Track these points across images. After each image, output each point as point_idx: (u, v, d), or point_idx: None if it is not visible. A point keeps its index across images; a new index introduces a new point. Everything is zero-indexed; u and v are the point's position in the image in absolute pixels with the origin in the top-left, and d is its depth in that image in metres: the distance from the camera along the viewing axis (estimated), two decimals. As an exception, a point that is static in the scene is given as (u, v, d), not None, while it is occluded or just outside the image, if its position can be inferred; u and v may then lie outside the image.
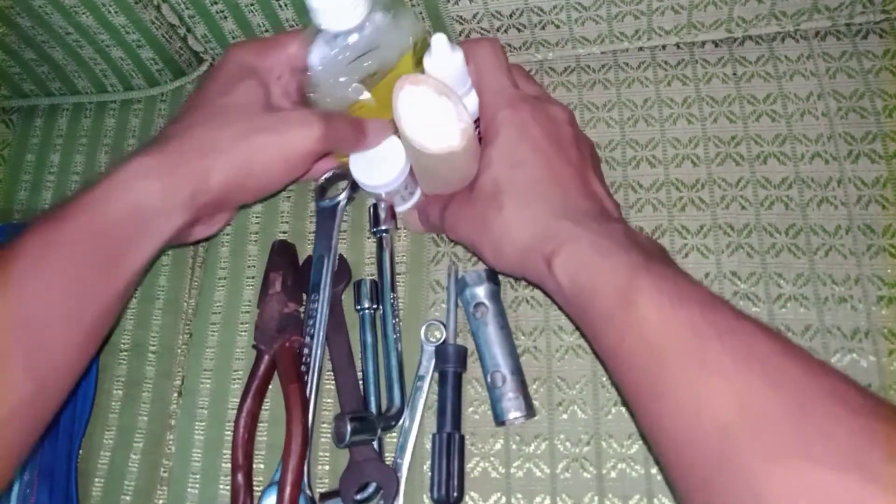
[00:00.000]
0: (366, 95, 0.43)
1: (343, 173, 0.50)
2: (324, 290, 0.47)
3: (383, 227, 0.48)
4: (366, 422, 0.42)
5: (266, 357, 0.46)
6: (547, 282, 0.38)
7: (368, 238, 0.50)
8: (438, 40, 0.40)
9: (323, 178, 0.50)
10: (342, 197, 0.50)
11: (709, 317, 0.31)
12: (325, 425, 0.46)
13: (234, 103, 0.43)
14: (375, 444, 0.44)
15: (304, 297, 0.48)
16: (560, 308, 0.40)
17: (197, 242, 0.50)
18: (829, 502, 0.25)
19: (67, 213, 0.39)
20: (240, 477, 0.44)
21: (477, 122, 0.44)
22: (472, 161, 0.41)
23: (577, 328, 0.44)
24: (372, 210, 0.49)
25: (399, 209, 0.49)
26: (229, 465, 0.45)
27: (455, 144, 0.39)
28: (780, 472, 0.26)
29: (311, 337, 0.46)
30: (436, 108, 0.39)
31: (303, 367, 0.46)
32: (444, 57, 0.40)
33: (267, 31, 0.52)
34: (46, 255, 0.38)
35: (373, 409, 0.45)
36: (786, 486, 0.26)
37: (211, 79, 0.46)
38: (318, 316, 0.46)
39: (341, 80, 0.43)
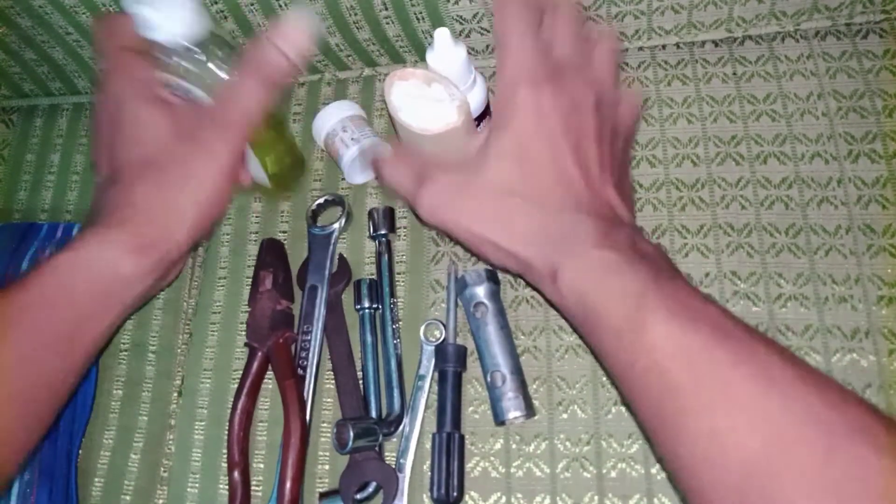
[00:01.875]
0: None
1: (337, 199, 0.50)
2: (317, 321, 0.47)
3: (382, 232, 0.48)
4: (368, 428, 0.42)
5: (259, 354, 0.46)
6: (550, 294, 0.36)
7: (368, 237, 0.50)
8: (440, 34, 0.40)
9: (315, 203, 0.50)
10: (336, 227, 0.49)
11: (723, 340, 0.30)
12: (325, 425, 0.46)
13: (155, 148, 0.42)
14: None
15: (302, 294, 0.48)
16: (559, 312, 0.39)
17: (157, 294, 0.50)
18: None
19: (28, 286, 0.38)
20: (236, 474, 0.44)
21: (482, 115, 0.45)
22: (469, 136, 0.41)
23: (582, 340, 0.44)
24: (371, 215, 0.49)
25: (345, 156, 0.46)
26: (229, 465, 0.45)
27: (454, 121, 0.39)
28: None
29: (307, 354, 0.47)
30: (428, 94, 0.39)
31: (300, 371, 0.46)
32: (445, 51, 0.40)
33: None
34: (5, 332, 0.37)
35: (372, 410, 0.45)
36: None
37: (117, 128, 0.43)
38: (312, 348, 0.46)
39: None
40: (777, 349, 0.30)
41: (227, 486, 0.45)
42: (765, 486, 0.27)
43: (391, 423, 0.44)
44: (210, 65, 0.42)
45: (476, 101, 0.43)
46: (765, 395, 0.28)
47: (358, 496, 0.43)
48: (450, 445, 0.42)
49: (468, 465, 0.43)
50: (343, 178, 0.52)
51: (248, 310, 0.48)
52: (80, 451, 0.49)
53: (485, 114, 0.45)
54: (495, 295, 0.45)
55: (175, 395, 0.50)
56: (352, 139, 0.49)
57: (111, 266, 0.39)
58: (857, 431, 0.27)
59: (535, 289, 0.44)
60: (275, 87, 0.42)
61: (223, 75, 0.42)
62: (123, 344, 0.52)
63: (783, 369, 0.29)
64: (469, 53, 0.45)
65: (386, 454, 0.44)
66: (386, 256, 0.48)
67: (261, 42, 0.41)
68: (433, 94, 0.39)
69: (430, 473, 0.43)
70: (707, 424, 0.29)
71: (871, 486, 0.25)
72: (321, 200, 0.50)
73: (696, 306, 0.32)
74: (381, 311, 0.47)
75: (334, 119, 0.50)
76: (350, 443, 0.41)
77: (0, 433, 0.36)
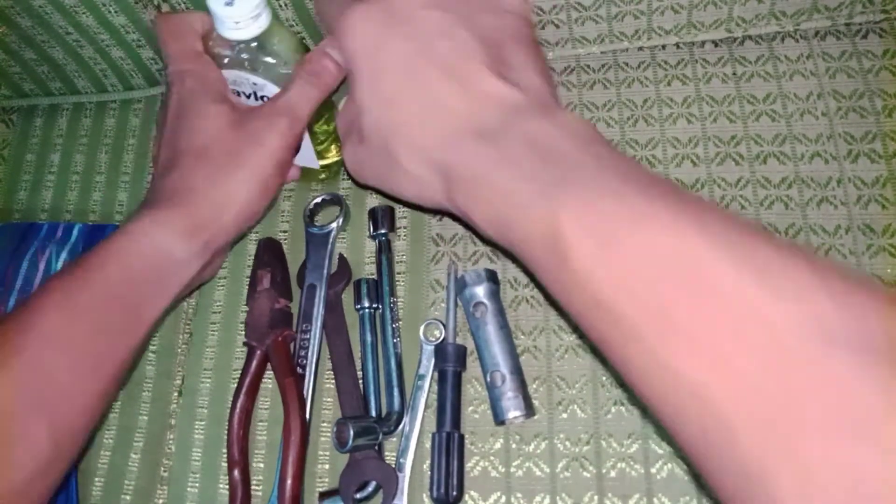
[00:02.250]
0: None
1: (335, 198, 0.50)
2: (316, 320, 0.47)
3: (382, 231, 0.48)
4: (368, 427, 0.42)
5: (258, 353, 0.46)
6: (480, 230, 0.34)
7: (368, 237, 0.50)
8: None
9: (312, 202, 0.50)
10: (334, 226, 0.49)
11: (661, 254, 0.26)
12: (324, 424, 0.46)
13: (210, 137, 0.44)
14: (375, 443, 0.44)
15: (301, 293, 0.48)
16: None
17: (200, 286, 0.51)
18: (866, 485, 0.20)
19: (89, 266, 0.39)
20: (236, 473, 0.44)
21: None
22: None
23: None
24: (371, 214, 0.49)
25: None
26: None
27: None
28: (783, 452, 0.22)
29: (306, 353, 0.47)
30: None
31: (299, 370, 0.46)
32: None
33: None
34: (69, 312, 0.38)
35: (372, 409, 0.45)
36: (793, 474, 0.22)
37: (179, 119, 0.45)
38: (311, 346, 0.46)
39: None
40: (738, 258, 0.25)
41: (227, 486, 0.45)
42: (713, 412, 0.24)
43: (391, 422, 0.44)
44: (277, 59, 0.44)
45: None
46: (718, 329, 0.24)
47: (358, 495, 0.43)
48: (449, 445, 0.42)
49: (468, 465, 0.43)
50: (343, 178, 0.52)
51: (247, 309, 0.48)
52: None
53: None
54: (495, 295, 0.45)
55: (175, 394, 0.50)
56: None
57: (164, 247, 0.41)
58: (812, 320, 0.22)
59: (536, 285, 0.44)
60: (325, 87, 0.44)
61: (288, 70, 0.44)
62: (123, 344, 0.52)
63: (745, 289, 0.24)
64: None
65: (386, 454, 0.44)
66: (386, 256, 0.48)
67: (318, 49, 0.44)
68: None
69: (429, 473, 0.43)
70: (660, 364, 0.25)
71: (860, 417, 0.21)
72: (318, 199, 0.50)
73: (619, 209, 0.27)
74: (380, 310, 0.47)
75: None
76: (350, 441, 0.41)
77: (73, 412, 0.37)
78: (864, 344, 0.22)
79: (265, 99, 0.46)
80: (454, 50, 0.35)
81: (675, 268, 0.25)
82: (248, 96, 0.46)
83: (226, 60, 0.45)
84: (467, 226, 0.47)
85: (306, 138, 0.47)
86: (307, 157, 0.49)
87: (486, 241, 0.48)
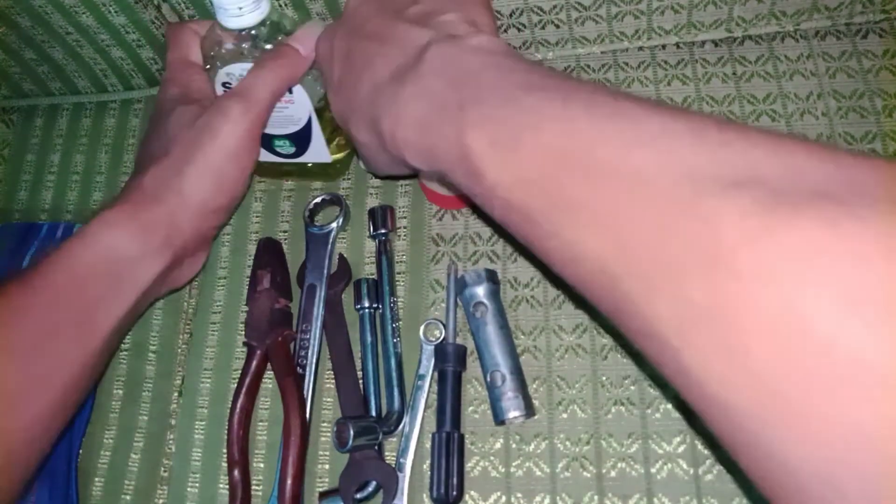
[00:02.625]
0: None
1: (334, 198, 0.50)
2: (316, 320, 0.47)
3: (382, 231, 0.48)
4: (368, 427, 0.42)
5: (258, 353, 0.46)
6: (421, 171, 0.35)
7: (368, 237, 0.50)
8: None
9: (312, 202, 0.50)
10: (334, 226, 0.49)
11: (555, 146, 0.27)
12: (325, 424, 0.46)
13: (170, 136, 0.43)
14: (375, 443, 0.44)
15: (301, 293, 0.48)
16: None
17: (189, 283, 0.50)
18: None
19: (35, 273, 0.38)
20: (236, 473, 0.44)
21: None
22: None
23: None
24: (371, 214, 0.49)
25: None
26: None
27: None
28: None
29: (305, 353, 0.46)
30: None
31: (299, 370, 0.46)
32: None
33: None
34: (13, 320, 0.37)
35: (372, 409, 0.45)
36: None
37: (151, 125, 0.46)
38: (311, 346, 0.46)
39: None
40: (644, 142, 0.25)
41: (227, 486, 0.45)
42: (618, 289, 0.25)
43: (391, 422, 0.44)
44: (276, 44, 0.44)
45: None
46: (609, 194, 0.25)
47: (358, 495, 0.43)
48: (449, 445, 0.42)
49: (468, 465, 0.43)
50: (344, 178, 0.52)
51: (247, 309, 0.48)
52: (80, 451, 0.49)
53: None
54: (495, 295, 0.45)
55: (175, 394, 0.50)
56: None
57: (117, 247, 0.40)
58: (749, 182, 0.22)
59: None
60: (286, 72, 0.43)
61: None
62: (124, 344, 0.52)
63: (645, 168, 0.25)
64: None
65: (386, 454, 0.44)
66: (386, 256, 0.48)
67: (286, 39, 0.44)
68: None
69: (429, 473, 0.43)
70: (560, 244, 0.27)
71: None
72: (318, 199, 0.50)
73: (518, 115, 0.28)
74: (380, 310, 0.47)
75: None
76: (350, 441, 0.41)
77: (15, 420, 0.36)
78: (732, 181, 0.22)
79: None
80: (380, 22, 0.37)
81: (567, 155, 0.26)
82: None
83: (225, 53, 0.45)
84: (465, 226, 0.47)
85: (317, 131, 0.47)
86: (318, 150, 0.48)
87: (485, 240, 0.48)
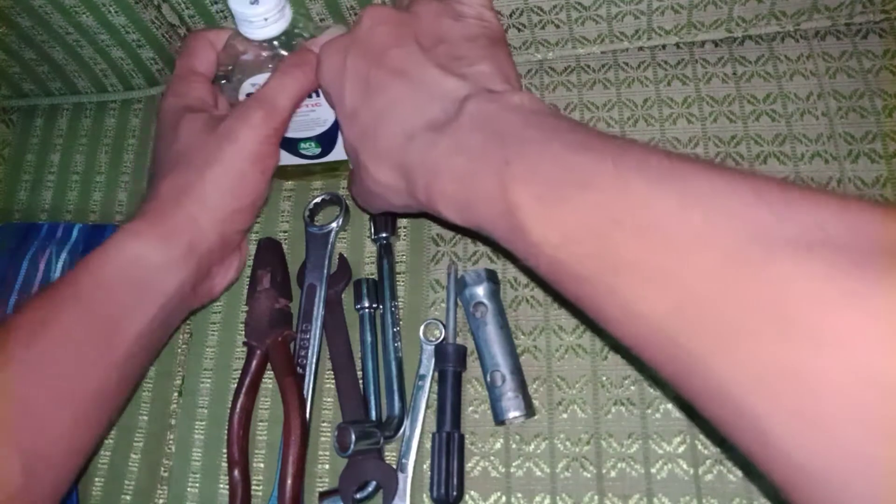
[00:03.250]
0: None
1: (334, 198, 0.50)
2: (316, 320, 0.47)
3: (383, 234, 0.48)
4: (369, 432, 0.42)
5: (258, 353, 0.46)
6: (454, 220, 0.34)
7: (368, 237, 0.50)
8: None
9: (312, 202, 0.50)
10: (334, 226, 0.49)
11: (604, 205, 0.26)
12: (325, 425, 0.46)
13: (185, 144, 0.43)
14: (375, 443, 0.44)
15: (301, 293, 0.48)
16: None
17: (210, 303, 0.49)
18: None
19: (61, 284, 0.38)
20: (236, 473, 0.44)
21: None
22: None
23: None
24: (372, 217, 0.49)
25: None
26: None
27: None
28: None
29: (305, 353, 0.46)
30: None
31: (299, 370, 0.46)
32: None
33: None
34: (40, 330, 0.36)
35: (372, 410, 0.45)
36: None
37: (158, 137, 0.46)
38: (311, 346, 0.46)
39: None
40: (686, 213, 0.25)
41: (227, 486, 0.45)
42: (680, 351, 0.24)
43: (392, 427, 0.44)
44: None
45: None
46: (668, 252, 0.25)
47: (358, 496, 0.43)
48: (449, 445, 0.42)
49: (468, 465, 0.43)
50: (344, 178, 0.52)
51: (247, 309, 0.48)
52: (81, 451, 0.49)
53: None
54: (495, 295, 0.45)
55: (175, 394, 0.50)
56: None
57: (140, 256, 0.39)
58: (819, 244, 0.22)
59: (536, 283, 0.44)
60: (305, 78, 0.42)
61: None
62: (123, 344, 0.52)
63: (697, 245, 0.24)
64: None
65: (387, 454, 0.44)
66: (387, 260, 0.48)
67: (304, 45, 0.43)
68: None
69: (429, 473, 0.43)
70: (612, 303, 0.26)
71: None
72: (318, 199, 0.50)
73: (561, 173, 0.28)
74: (380, 310, 0.47)
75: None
76: (352, 446, 0.41)
77: (45, 439, 0.35)
78: (802, 242, 0.22)
79: None
80: (404, 56, 0.36)
81: (620, 213, 0.26)
82: None
83: (245, 63, 0.44)
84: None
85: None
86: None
87: (485, 240, 0.48)
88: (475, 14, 0.40)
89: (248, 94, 0.45)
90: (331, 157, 0.48)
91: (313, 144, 0.47)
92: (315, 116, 0.45)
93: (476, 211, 0.31)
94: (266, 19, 0.41)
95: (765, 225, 0.23)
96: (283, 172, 0.50)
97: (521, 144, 0.30)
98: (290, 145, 0.47)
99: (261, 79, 0.44)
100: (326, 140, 0.47)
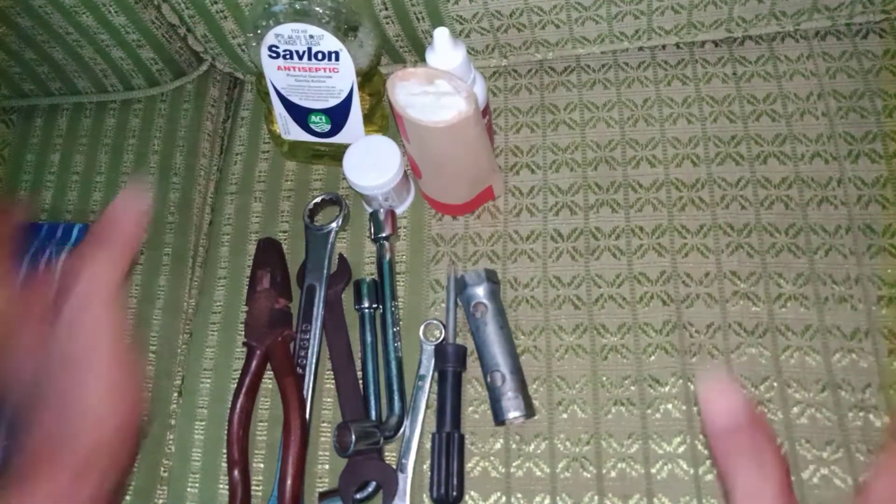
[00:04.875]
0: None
1: (334, 198, 0.50)
2: (315, 320, 0.47)
3: (383, 235, 0.48)
4: (369, 432, 0.42)
5: (258, 353, 0.46)
6: None
7: (368, 237, 0.50)
8: (440, 34, 0.40)
9: (312, 202, 0.50)
10: (334, 226, 0.49)
11: None
12: (324, 424, 0.46)
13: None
14: (375, 443, 0.44)
15: (301, 293, 0.48)
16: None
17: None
18: None
19: None
20: (236, 473, 0.44)
21: (484, 110, 0.45)
22: (482, 137, 0.41)
23: None
24: (372, 218, 0.49)
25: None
26: (229, 465, 0.45)
27: (465, 110, 0.39)
28: None
29: (305, 353, 0.46)
30: (432, 89, 0.39)
31: (299, 370, 0.46)
32: (445, 50, 0.40)
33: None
34: None
35: (372, 410, 0.45)
36: None
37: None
38: (311, 346, 0.46)
39: None
40: None
41: (227, 486, 0.45)
42: None
43: (392, 427, 0.44)
44: (336, 2, 0.43)
45: (479, 95, 0.43)
46: None
47: (358, 496, 0.42)
48: (449, 445, 0.42)
49: (468, 465, 0.43)
50: (343, 178, 0.52)
51: (247, 309, 0.48)
52: (80, 451, 0.49)
53: (483, 112, 0.45)
54: (495, 295, 0.45)
55: (175, 394, 0.50)
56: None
57: None
58: None
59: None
60: (120, 256, 0.29)
61: (350, 14, 0.43)
62: (123, 344, 0.52)
63: None
64: (469, 53, 0.45)
65: (387, 454, 0.44)
66: (387, 260, 0.48)
67: (104, 214, 0.30)
68: (438, 88, 0.39)
69: (429, 473, 0.43)
70: None
71: None
72: (318, 200, 0.50)
73: None
74: (381, 311, 0.47)
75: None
76: (352, 446, 0.41)
77: None
78: None
79: (319, 57, 0.43)
80: None
81: None
82: (301, 56, 0.43)
83: (280, 14, 0.43)
84: (465, 226, 0.47)
85: (356, 105, 0.45)
86: (354, 129, 0.47)
87: (485, 240, 0.48)
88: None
89: (271, 46, 0.43)
90: (338, 139, 0.47)
91: (324, 119, 0.46)
92: (331, 84, 0.44)
93: None
94: None
95: None
96: (291, 151, 0.49)
97: None
98: (301, 116, 0.46)
99: (284, 30, 0.42)
100: (337, 115, 0.46)
